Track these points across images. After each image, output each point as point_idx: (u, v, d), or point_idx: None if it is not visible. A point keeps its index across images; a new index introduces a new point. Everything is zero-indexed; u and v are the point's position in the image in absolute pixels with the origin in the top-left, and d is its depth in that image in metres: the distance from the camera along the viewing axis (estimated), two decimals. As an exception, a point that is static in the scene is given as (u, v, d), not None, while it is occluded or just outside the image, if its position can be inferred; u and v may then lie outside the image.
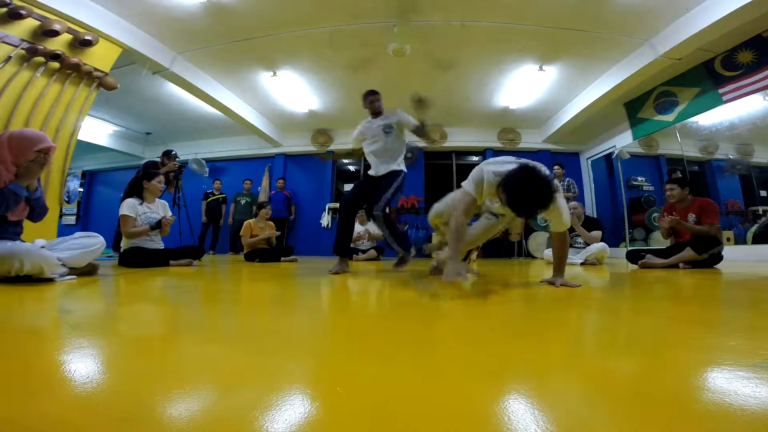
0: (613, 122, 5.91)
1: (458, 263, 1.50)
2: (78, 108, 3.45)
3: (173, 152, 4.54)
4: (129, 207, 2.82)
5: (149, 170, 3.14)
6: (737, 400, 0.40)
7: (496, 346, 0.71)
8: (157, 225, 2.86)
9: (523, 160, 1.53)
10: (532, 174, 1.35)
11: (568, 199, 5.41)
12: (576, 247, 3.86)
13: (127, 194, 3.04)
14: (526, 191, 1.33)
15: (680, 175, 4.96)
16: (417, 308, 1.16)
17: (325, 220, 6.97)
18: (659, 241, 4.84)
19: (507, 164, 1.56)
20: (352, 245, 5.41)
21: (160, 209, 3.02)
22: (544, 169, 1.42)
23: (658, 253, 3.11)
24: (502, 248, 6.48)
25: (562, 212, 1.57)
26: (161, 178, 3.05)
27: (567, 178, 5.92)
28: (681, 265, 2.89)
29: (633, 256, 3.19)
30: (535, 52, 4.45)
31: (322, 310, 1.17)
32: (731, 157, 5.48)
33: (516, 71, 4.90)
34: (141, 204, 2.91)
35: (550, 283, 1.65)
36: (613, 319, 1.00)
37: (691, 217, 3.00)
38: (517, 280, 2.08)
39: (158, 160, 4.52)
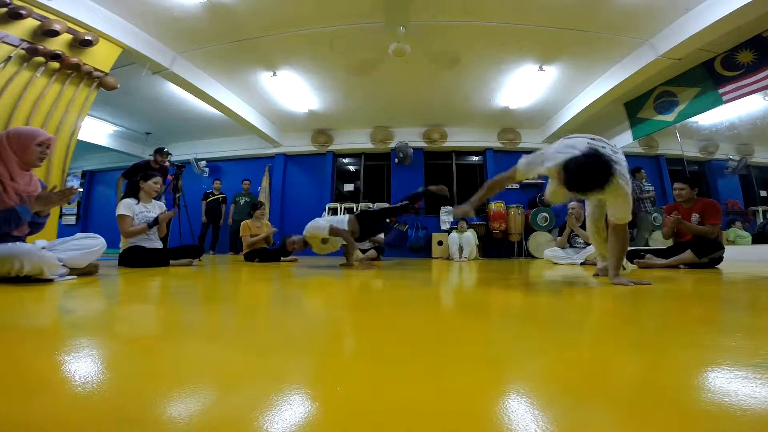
0: (613, 122, 5.92)
1: None
2: (78, 108, 3.45)
3: (165, 149, 4.54)
4: (126, 207, 2.83)
5: (144, 171, 3.13)
6: (737, 400, 0.40)
7: (497, 346, 0.71)
8: (155, 222, 2.86)
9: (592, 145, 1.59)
10: (592, 154, 1.47)
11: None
12: (576, 247, 3.86)
13: (125, 195, 3.04)
14: (580, 168, 1.43)
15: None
16: (417, 308, 1.16)
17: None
18: (659, 241, 4.85)
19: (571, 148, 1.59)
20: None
21: (156, 209, 3.02)
22: (609, 151, 1.55)
23: (658, 253, 3.11)
24: (502, 248, 6.49)
25: (626, 200, 1.58)
26: (158, 178, 3.04)
27: None
28: (681, 265, 2.89)
29: (633, 256, 3.19)
30: (535, 52, 4.45)
31: (322, 310, 1.17)
32: (733, 157, 5.48)
33: (516, 71, 4.91)
34: (137, 204, 2.91)
35: (602, 274, 1.74)
36: (613, 318, 1.00)
37: (695, 217, 3.01)
38: (517, 278, 2.08)
39: (151, 158, 4.51)
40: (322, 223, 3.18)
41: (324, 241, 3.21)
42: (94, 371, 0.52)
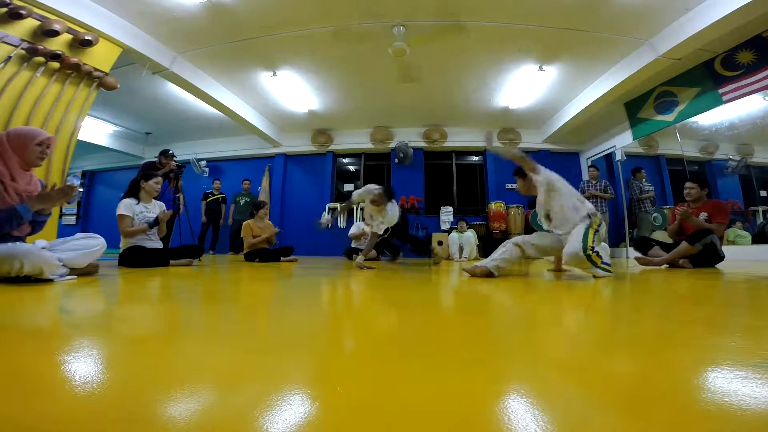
0: (613, 122, 5.91)
1: None
2: (78, 108, 3.45)
3: (170, 151, 4.52)
4: (126, 206, 2.83)
5: (148, 171, 3.15)
6: (737, 400, 0.40)
7: (497, 346, 0.71)
8: (155, 222, 2.86)
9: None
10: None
11: (603, 200, 5.73)
12: (576, 247, 3.88)
13: (126, 195, 3.04)
14: None
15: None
16: (417, 308, 1.16)
17: (325, 220, 6.95)
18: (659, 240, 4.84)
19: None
20: (353, 245, 5.44)
21: (156, 209, 3.03)
22: None
23: (664, 246, 3.15)
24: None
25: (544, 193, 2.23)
26: (159, 179, 3.04)
27: (603, 180, 5.96)
28: (681, 261, 2.90)
29: (642, 244, 3.27)
30: (535, 52, 4.44)
31: (322, 310, 1.17)
32: (733, 157, 5.48)
33: (516, 71, 4.90)
34: (138, 204, 2.91)
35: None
36: (613, 318, 1.00)
37: (702, 215, 3.07)
38: (516, 279, 2.07)
39: (156, 160, 4.50)
40: (384, 226, 3.24)
41: (372, 217, 3.30)
42: (94, 371, 0.52)
